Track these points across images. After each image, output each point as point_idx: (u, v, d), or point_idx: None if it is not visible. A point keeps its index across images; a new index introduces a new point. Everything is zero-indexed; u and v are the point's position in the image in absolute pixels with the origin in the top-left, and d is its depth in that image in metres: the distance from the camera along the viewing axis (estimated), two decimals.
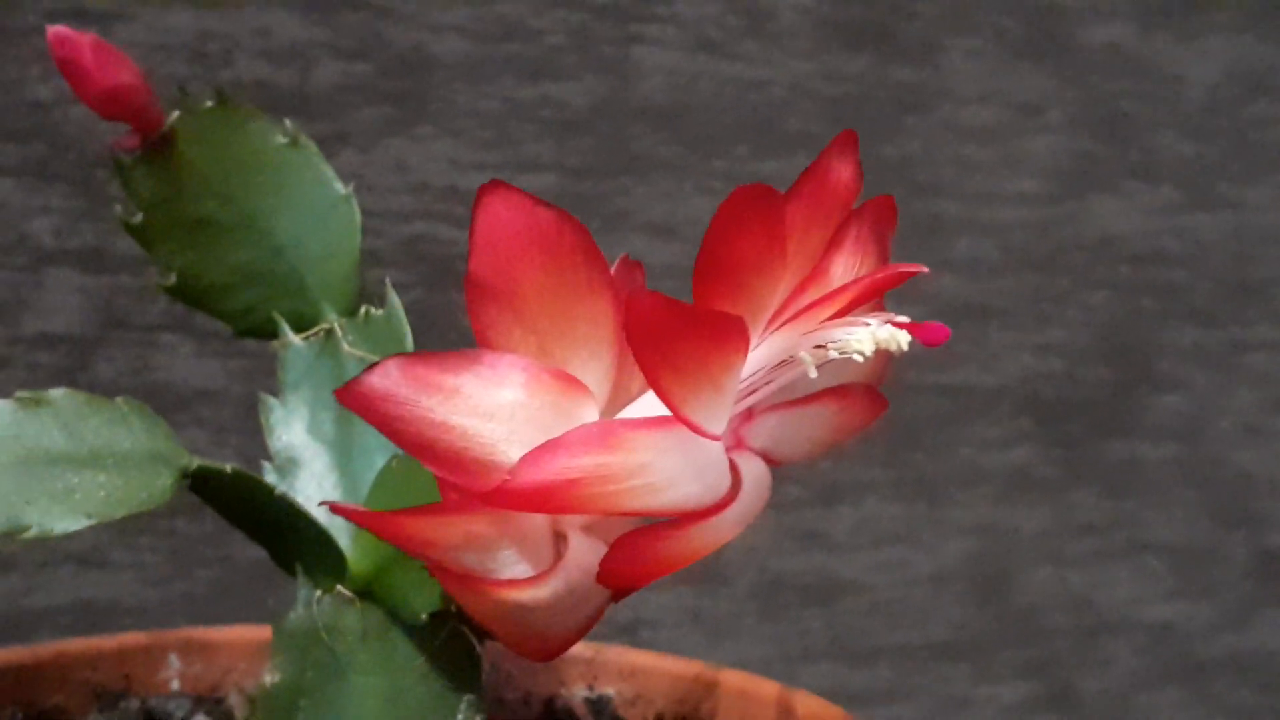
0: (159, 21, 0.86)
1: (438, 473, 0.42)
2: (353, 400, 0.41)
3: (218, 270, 0.54)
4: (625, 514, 0.41)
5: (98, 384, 0.85)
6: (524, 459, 0.40)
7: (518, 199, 0.42)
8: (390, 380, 0.41)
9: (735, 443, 0.43)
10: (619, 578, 0.42)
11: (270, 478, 0.52)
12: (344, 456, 0.53)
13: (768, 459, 0.43)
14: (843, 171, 0.41)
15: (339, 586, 0.50)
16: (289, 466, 0.53)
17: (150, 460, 0.48)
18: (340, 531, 0.50)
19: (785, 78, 1.10)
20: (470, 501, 0.42)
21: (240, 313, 0.54)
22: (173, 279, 0.53)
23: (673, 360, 0.38)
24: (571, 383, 0.42)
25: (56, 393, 0.48)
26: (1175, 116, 1.27)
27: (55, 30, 0.49)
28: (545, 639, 0.45)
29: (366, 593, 0.50)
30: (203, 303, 0.54)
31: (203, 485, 0.49)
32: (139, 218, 0.52)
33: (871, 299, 0.41)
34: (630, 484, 0.40)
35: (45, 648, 0.59)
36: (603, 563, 0.42)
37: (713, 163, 1.08)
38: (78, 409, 0.48)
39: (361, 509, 0.45)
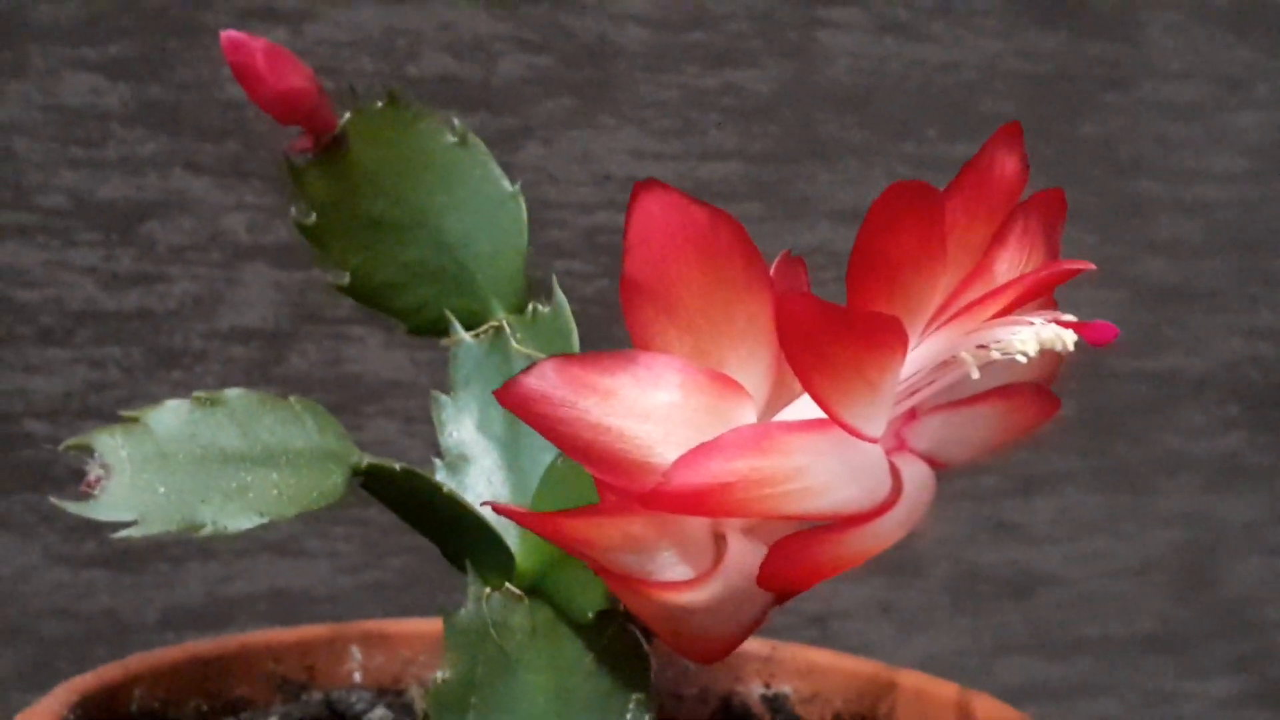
0: (347, 19, 0.88)
1: (595, 474, 0.42)
2: (511, 401, 0.41)
3: (390, 269, 0.54)
4: (782, 518, 0.41)
5: (291, 377, 0.87)
6: (678, 462, 0.40)
7: (672, 197, 0.41)
8: (546, 382, 0.41)
9: (897, 445, 0.42)
10: (778, 581, 0.42)
11: (440, 475, 0.53)
12: (513, 454, 0.53)
13: (931, 461, 0.42)
14: (1007, 164, 0.40)
15: (507, 584, 0.50)
16: (459, 463, 0.53)
17: (322, 458, 0.49)
18: (508, 529, 0.50)
19: (976, 58, 1.08)
20: (628, 503, 0.41)
21: (413, 310, 0.55)
22: (346, 278, 0.54)
23: (826, 362, 0.37)
24: (728, 384, 0.41)
25: (232, 392, 0.49)
26: None
27: (228, 35, 0.50)
28: (707, 641, 0.44)
29: (535, 590, 0.50)
30: (376, 301, 0.55)
31: (374, 483, 0.50)
32: (313, 218, 0.53)
33: (1037, 297, 0.39)
34: (786, 488, 0.39)
35: (230, 640, 0.60)
36: (762, 566, 0.41)
37: (902, 146, 1.06)
38: (252, 408, 0.49)
39: (522, 509, 0.45)
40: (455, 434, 0.54)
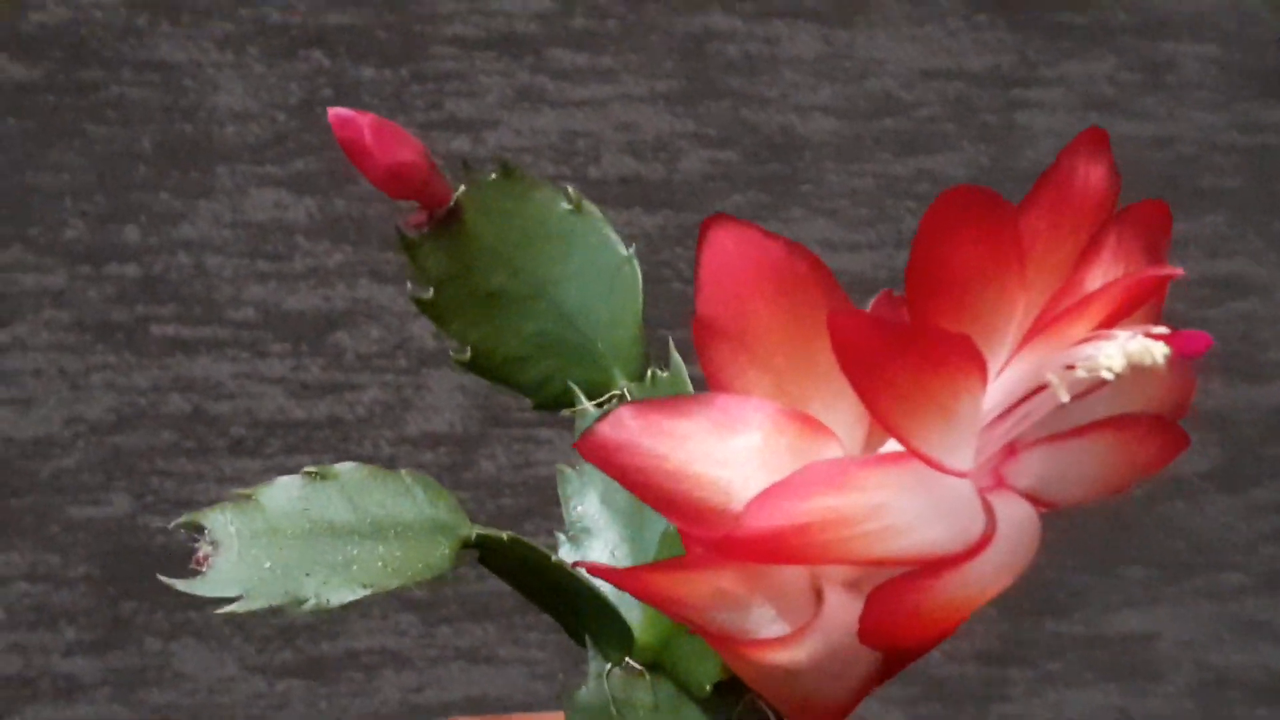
0: (526, 125, 0.89)
1: (679, 525, 0.40)
2: (588, 451, 0.40)
3: (512, 343, 0.54)
4: (867, 563, 0.38)
5: (481, 481, 0.87)
6: (750, 504, 0.37)
7: (745, 232, 0.39)
8: (623, 429, 0.39)
9: (994, 482, 0.38)
10: (879, 636, 0.39)
11: (564, 549, 0.51)
12: (636, 526, 0.51)
13: (1035, 500, 0.39)
14: (1091, 174, 0.37)
15: (628, 659, 0.48)
16: (582, 536, 0.52)
17: (431, 530, 0.48)
18: (628, 603, 0.49)
19: (1192, 132, 1.03)
20: (712, 555, 0.39)
21: (537, 384, 0.54)
22: (468, 354, 0.53)
23: (888, 386, 0.35)
24: (812, 424, 0.39)
25: (343, 466, 0.48)
26: None
27: (335, 112, 0.50)
28: (817, 706, 0.42)
29: (656, 664, 0.48)
30: (499, 376, 0.54)
31: (489, 556, 0.48)
32: (430, 294, 0.53)
33: (1130, 309, 0.36)
34: (866, 528, 0.37)
35: None
36: (861, 618, 0.39)
37: None
38: (363, 482, 0.48)
39: (607, 566, 0.43)
40: (579, 507, 0.52)
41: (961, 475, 0.37)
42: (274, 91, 0.83)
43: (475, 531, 0.48)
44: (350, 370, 0.84)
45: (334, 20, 0.85)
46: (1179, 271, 0.35)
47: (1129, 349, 0.35)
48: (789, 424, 0.39)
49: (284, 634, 0.82)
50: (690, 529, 0.39)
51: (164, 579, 0.46)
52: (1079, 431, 0.39)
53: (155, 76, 0.81)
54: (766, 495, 0.37)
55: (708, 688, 0.47)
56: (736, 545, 0.37)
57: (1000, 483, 0.39)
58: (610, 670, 0.48)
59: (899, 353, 0.35)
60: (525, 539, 0.48)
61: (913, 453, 0.36)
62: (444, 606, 0.85)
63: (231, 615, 0.81)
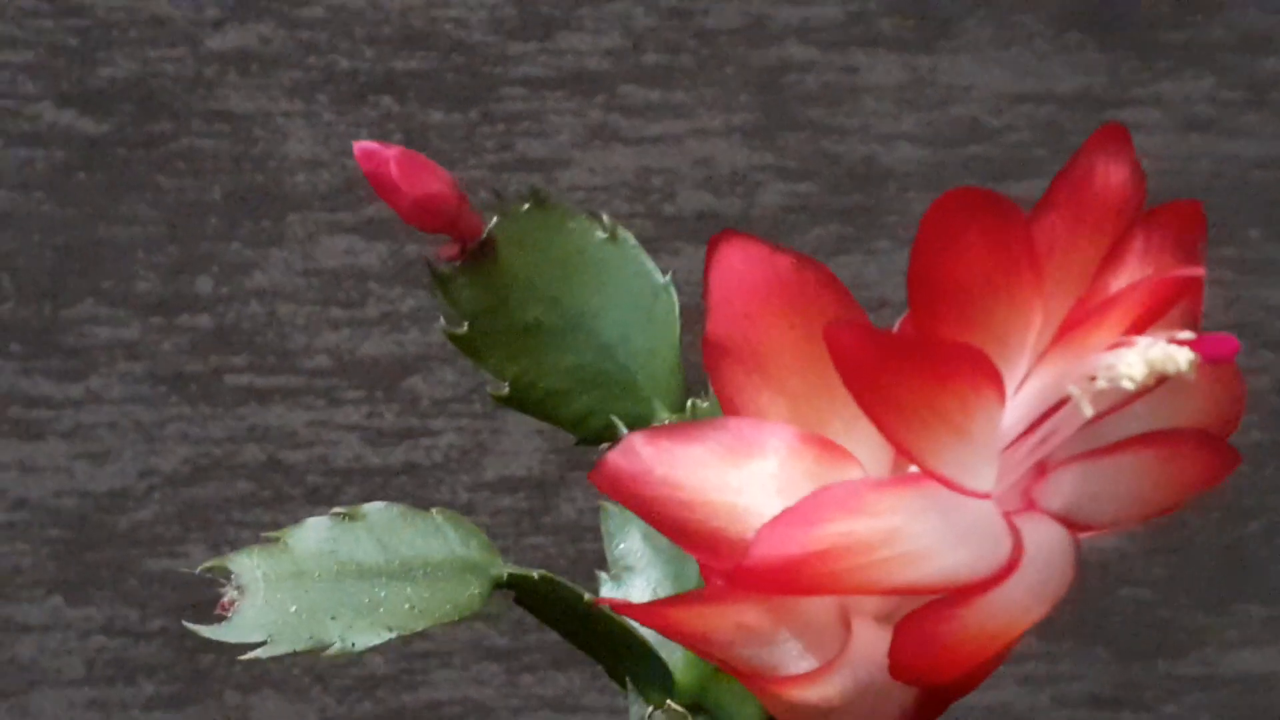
0: (600, 162, 0.88)
1: (696, 557, 0.38)
2: (601, 481, 0.38)
3: (552, 376, 0.52)
4: (887, 591, 0.36)
5: (561, 525, 0.86)
6: (760, 532, 0.35)
7: (754, 247, 0.38)
8: (635, 458, 0.38)
9: (1025, 504, 0.36)
10: (909, 670, 0.37)
11: (605, 588, 0.50)
12: (679, 564, 0.50)
13: (1069, 523, 0.36)
14: (1112, 173, 0.35)
15: (670, 701, 0.47)
16: (623, 575, 0.50)
17: (461, 570, 0.47)
18: (669, 644, 0.47)
19: None
20: (732, 588, 0.37)
21: (579, 419, 0.52)
22: (505, 389, 0.52)
23: (894, 402, 0.33)
24: (831, 448, 0.37)
25: (372, 506, 0.48)
26: None
27: (360, 145, 0.49)
28: None
29: (697, 706, 0.46)
30: (540, 411, 0.52)
31: (524, 596, 0.47)
32: (464, 328, 0.51)
33: (1157, 314, 0.34)
34: (883, 554, 0.35)
35: None
36: (890, 652, 0.36)
37: (1222, 251, 0.98)
38: (391, 522, 0.47)
39: (625, 601, 0.42)
40: (622, 545, 0.51)
41: (984, 497, 0.35)
42: (344, 138, 0.83)
43: (507, 571, 0.46)
44: (426, 416, 0.84)
45: (402, 65, 0.85)
46: (1200, 271, 0.32)
47: (1150, 356, 0.32)
48: (806, 448, 0.37)
49: (364, 685, 0.81)
50: (708, 560, 0.38)
51: (188, 625, 0.45)
52: (1114, 448, 0.36)
53: (225, 127, 0.82)
54: (776, 522, 0.35)
55: None
56: (747, 576, 0.35)
57: (1030, 505, 0.36)
58: (652, 713, 0.47)
59: (902, 365, 0.33)
60: (557, 578, 0.46)
61: (928, 473, 0.34)
62: (527, 654, 0.84)
63: (311, 667, 0.80)
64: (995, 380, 0.33)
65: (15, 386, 0.82)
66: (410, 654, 0.84)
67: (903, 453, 0.34)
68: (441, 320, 0.52)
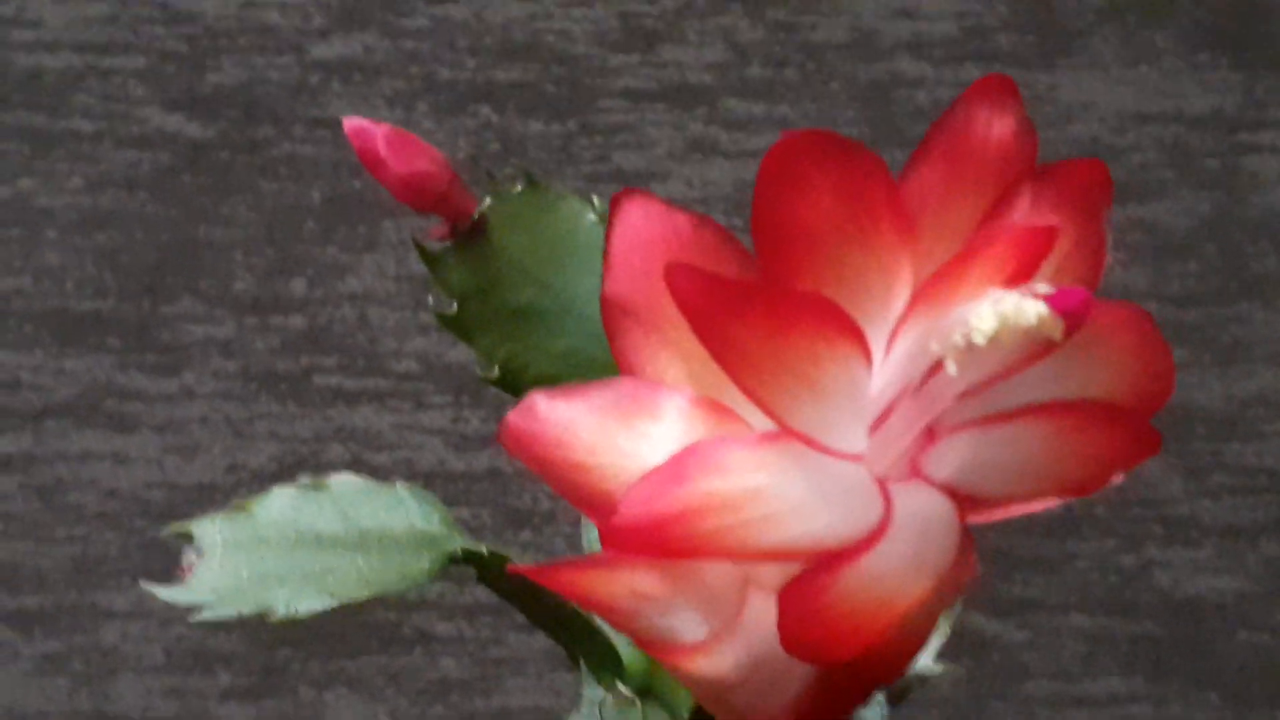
0: (698, 176, 0.87)
1: (591, 519, 0.37)
2: (504, 441, 0.38)
3: (542, 360, 0.52)
4: (759, 556, 0.34)
5: None
6: (628, 491, 0.34)
7: (653, 205, 0.37)
8: (530, 418, 0.37)
9: (910, 471, 0.34)
10: (797, 642, 0.35)
11: None
12: None
13: (954, 493, 0.34)
14: (993, 124, 0.33)
15: (619, 683, 0.46)
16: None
17: (417, 543, 0.47)
18: None
19: None
20: (611, 551, 0.36)
21: None
22: (495, 371, 0.52)
23: (740, 350, 0.32)
24: (723, 412, 0.36)
25: (338, 478, 0.48)
26: None
27: (350, 122, 0.49)
28: None
29: (646, 691, 0.45)
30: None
31: (486, 575, 0.47)
32: (454, 308, 0.51)
33: (1027, 267, 0.32)
34: (748, 514, 0.33)
35: None
36: (778, 623, 0.35)
37: None
38: (356, 494, 0.48)
39: (529, 565, 0.41)
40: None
41: (853, 459, 0.33)
42: (441, 147, 0.83)
43: (460, 546, 0.46)
44: None
45: (502, 76, 0.85)
46: (1057, 225, 0.31)
47: (1002, 309, 0.31)
48: (699, 411, 0.36)
49: (438, 688, 0.81)
50: (600, 523, 0.37)
51: (144, 584, 0.46)
52: (1007, 416, 0.34)
53: (326, 134, 0.83)
54: (643, 481, 0.34)
55: (685, 714, 0.43)
56: (615, 535, 0.34)
57: (917, 472, 0.35)
58: (604, 699, 0.46)
59: (744, 311, 0.31)
60: (503, 553, 0.46)
61: (786, 430, 0.33)
62: None
63: (386, 668, 0.81)
64: (849, 332, 0.32)
65: (112, 380, 0.85)
66: (485, 660, 0.83)
67: (760, 406, 0.33)
68: (430, 300, 0.52)
